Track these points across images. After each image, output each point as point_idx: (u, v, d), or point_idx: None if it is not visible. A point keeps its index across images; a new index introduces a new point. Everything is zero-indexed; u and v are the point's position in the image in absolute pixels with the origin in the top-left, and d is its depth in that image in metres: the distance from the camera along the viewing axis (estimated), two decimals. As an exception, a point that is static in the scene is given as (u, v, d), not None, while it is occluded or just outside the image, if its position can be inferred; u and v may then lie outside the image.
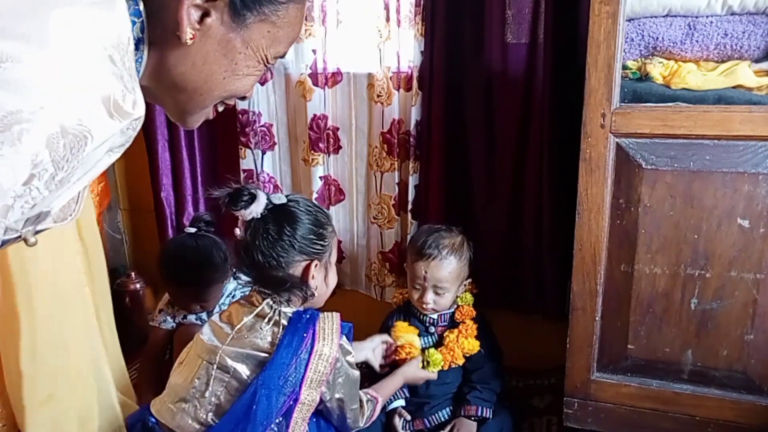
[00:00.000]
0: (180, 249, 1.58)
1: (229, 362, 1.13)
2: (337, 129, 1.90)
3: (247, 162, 1.95)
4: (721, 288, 1.23)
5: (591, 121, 1.22)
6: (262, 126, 1.92)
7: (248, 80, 0.73)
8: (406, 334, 1.54)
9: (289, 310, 1.17)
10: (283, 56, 0.76)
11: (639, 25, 1.32)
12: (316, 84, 1.84)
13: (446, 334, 1.57)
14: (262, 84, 1.88)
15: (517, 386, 1.80)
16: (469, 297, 1.61)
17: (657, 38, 1.31)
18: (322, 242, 1.18)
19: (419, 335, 1.58)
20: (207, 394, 1.13)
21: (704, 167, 1.19)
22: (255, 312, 1.17)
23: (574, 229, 1.29)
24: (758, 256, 1.20)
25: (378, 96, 1.80)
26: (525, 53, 1.63)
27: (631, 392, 1.34)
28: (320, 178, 1.91)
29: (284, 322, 1.15)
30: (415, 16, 1.69)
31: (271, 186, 1.98)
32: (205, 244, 1.57)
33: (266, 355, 1.13)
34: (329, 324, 1.16)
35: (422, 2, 1.67)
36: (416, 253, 1.54)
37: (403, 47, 1.73)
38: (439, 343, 1.58)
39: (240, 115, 1.90)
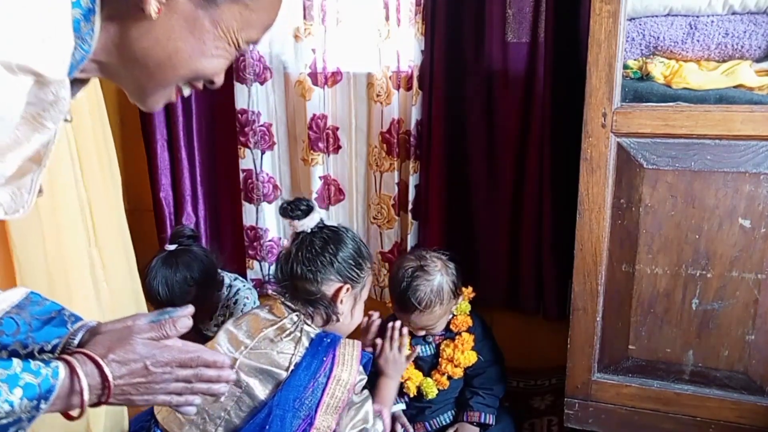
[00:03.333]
0: (160, 275, 1.51)
1: (243, 376, 1.12)
2: (337, 129, 1.89)
3: (246, 162, 1.94)
4: (723, 288, 1.23)
5: (592, 120, 1.22)
6: (261, 126, 1.92)
7: (217, 62, 0.69)
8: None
9: (311, 330, 1.17)
10: (256, 42, 0.73)
11: (640, 25, 1.31)
12: (315, 83, 1.83)
13: (443, 347, 1.53)
14: (262, 84, 1.88)
15: (518, 387, 1.80)
16: (464, 305, 1.54)
17: (658, 37, 1.30)
18: (359, 270, 1.22)
19: (415, 344, 1.55)
20: (217, 408, 1.11)
21: (705, 167, 1.19)
22: (278, 325, 1.16)
23: (574, 229, 1.29)
24: (759, 256, 1.19)
25: (377, 96, 1.79)
26: (526, 52, 1.62)
27: (631, 393, 1.33)
28: (320, 177, 1.91)
29: (305, 341, 1.15)
30: (416, 15, 1.69)
31: (271, 186, 1.97)
32: (186, 261, 1.53)
33: (282, 372, 1.11)
34: (350, 350, 1.16)
35: (422, 1, 1.66)
36: (397, 304, 1.48)
37: (403, 46, 1.72)
38: (437, 354, 1.54)
39: (239, 115, 1.89)
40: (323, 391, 1.11)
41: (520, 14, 1.60)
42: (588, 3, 1.19)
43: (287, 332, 1.15)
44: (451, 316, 1.54)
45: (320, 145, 1.88)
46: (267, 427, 1.08)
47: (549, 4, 1.56)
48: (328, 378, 1.12)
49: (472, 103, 1.70)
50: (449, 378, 1.52)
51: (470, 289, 1.59)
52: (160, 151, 1.96)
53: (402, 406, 1.58)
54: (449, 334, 1.54)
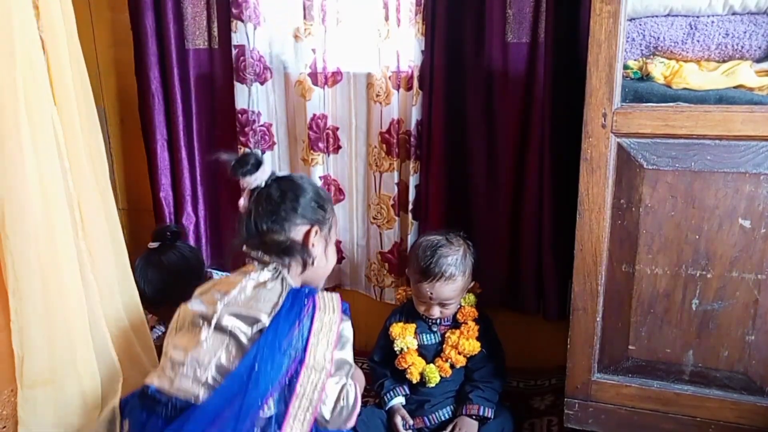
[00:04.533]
0: (144, 273, 1.54)
1: (226, 322, 1.11)
2: (337, 129, 1.89)
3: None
4: (723, 288, 1.23)
5: (592, 120, 1.22)
6: (261, 126, 1.92)
7: None
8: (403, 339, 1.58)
9: (291, 281, 1.17)
10: None
11: (640, 25, 1.32)
12: (315, 83, 1.83)
13: (448, 334, 1.57)
14: (262, 84, 1.88)
15: (518, 387, 1.80)
16: (471, 298, 1.61)
17: (658, 38, 1.31)
18: (323, 211, 1.23)
19: (421, 332, 1.59)
20: (207, 357, 1.10)
21: (705, 167, 1.19)
22: (255, 277, 1.16)
23: (574, 230, 1.29)
24: (759, 257, 1.19)
25: (377, 96, 1.79)
26: (526, 52, 1.62)
27: (631, 393, 1.33)
28: (320, 177, 1.90)
29: (282, 289, 1.15)
30: (416, 15, 1.69)
31: (271, 186, 1.97)
32: (170, 259, 1.54)
33: (265, 317, 1.11)
34: (328, 297, 1.16)
35: (423, 1, 1.66)
36: (419, 273, 1.52)
37: (403, 47, 1.72)
38: (441, 342, 1.58)
39: (239, 115, 1.89)
40: (309, 330, 1.11)
41: (521, 14, 1.60)
42: (588, 3, 1.19)
43: (267, 282, 1.16)
44: (458, 306, 1.57)
45: (320, 145, 1.88)
46: (256, 368, 1.07)
47: (549, 4, 1.56)
48: (312, 319, 1.12)
49: (472, 104, 1.70)
50: (452, 366, 1.54)
51: (477, 284, 1.62)
52: (160, 151, 1.96)
53: (401, 400, 1.59)
54: (455, 323, 1.58)
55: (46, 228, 1.15)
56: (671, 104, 1.22)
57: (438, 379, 1.55)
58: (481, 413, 1.52)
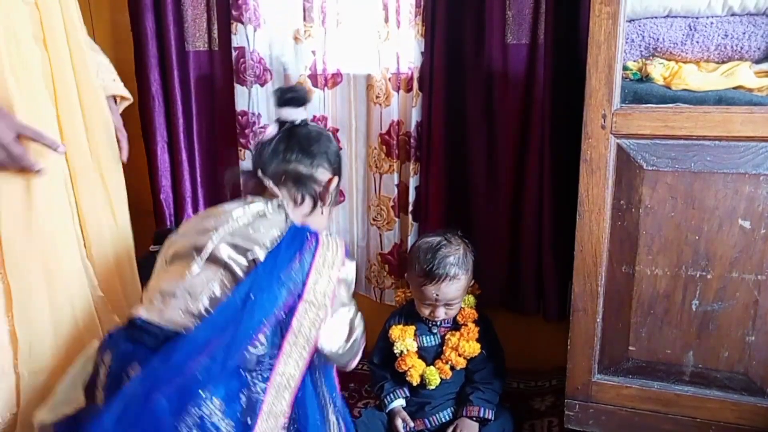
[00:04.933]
0: (145, 276, 1.53)
1: (221, 252, 1.06)
2: (337, 130, 1.89)
3: (246, 163, 1.94)
4: (723, 289, 1.23)
5: (591, 121, 1.22)
6: (261, 127, 1.92)
7: None
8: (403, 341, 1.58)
9: (292, 216, 1.14)
10: None
11: (639, 26, 1.32)
12: (315, 85, 1.83)
13: (448, 336, 1.57)
14: (262, 85, 1.88)
15: (518, 388, 1.80)
16: (471, 299, 1.61)
17: (657, 39, 1.31)
18: (340, 169, 1.24)
19: (421, 334, 1.59)
20: (199, 289, 1.04)
21: (705, 168, 1.19)
22: (255, 207, 1.12)
23: (574, 230, 1.29)
24: (759, 257, 1.20)
25: (377, 97, 1.80)
26: (525, 54, 1.63)
27: (632, 394, 1.33)
28: (320, 179, 1.91)
29: (285, 223, 1.11)
30: (416, 17, 1.69)
31: (271, 187, 1.97)
32: None
33: (262, 250, 1.06)
34: (332, 238, 1.12)
35: (422, 3, 1.67)
36: (423, 275, 1.51)
37: (402, 48, 1.72)
38: (441, 344, 1.58)
39: (239, 117, 1.90)
40: (310, 265, 1.06)
41: (520, 16, 1.61)
42: (587, 4, 1.19)
43: (267, 214, 1.12)
44: (459, 307, 1.57)
45: (320, 146, 1.88)
46: (252, 296, 1.02)
47: (549, 5, 1.56)
48: (314, 254, 1.07)
49: (472, 105, 1.71)
50: (452, 368, 1.54)
51: (476, 285, 1.62)
52: (161, 152, 1.96)
53: (402, 402, 1.59)
54: (455, 325, 1.58)
55: (43, 209, 1.16)
56: (671, 105, 1.22)
57: (438, 381, 1.55)
58: (481, 415, 1.52)
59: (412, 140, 1.78)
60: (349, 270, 1.13)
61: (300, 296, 1.04)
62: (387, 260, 1.91)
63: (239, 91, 1.87)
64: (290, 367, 1.04)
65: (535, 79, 1.62)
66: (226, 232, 1.08)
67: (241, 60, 1.84)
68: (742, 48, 1.27)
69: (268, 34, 1.85)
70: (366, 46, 1.80)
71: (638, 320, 1.30)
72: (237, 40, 1.82)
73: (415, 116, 1.75)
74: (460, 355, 1.55)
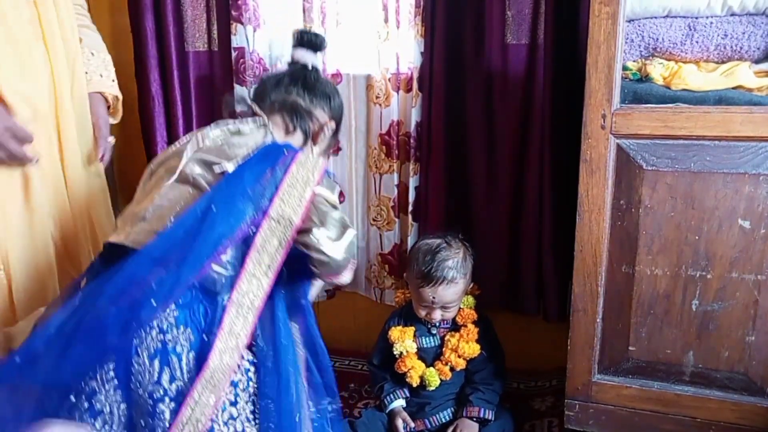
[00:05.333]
0: None
1: (189, 169, 1.03)
2: (337, 130, 1.89)
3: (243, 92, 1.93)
4: (722, 289, 1.23)
5: (591, 122, 1.22)
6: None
7: None
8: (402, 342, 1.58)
9: (275, 135, 1.13)
10: None
11: (639, 26, 1.32)
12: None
13: (447, 338, 1.57)
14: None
15: (518, 388, 1.80)
16: (470, 300, 1.61)
17: (657, 39, 1.31)
18: (340, 124, 1.27)
19: (420, 335, 1.59)
20: (167, 208, 1.02)
21: (705, 168, 1.19)
22: (235, 125, 1.11)
23: (574, 231, 1.29)
24: (759, 257, 1.19)
25: (377, 97, 1.80)
26: (525, 54, 1.63)
27: (632, 394, 1.33)
28: (320, 179, 1.91)
29: (263, 140, 1.08)
30: (415, 17, 1.69)
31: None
32: None
33: (233, 162, 1.03)
34: (313, 158, 1.08)
35: (422, 3, 1.67)
36: (421, 278, 1.51)
37: (402, 48, 1.72)
38: (440, 345, 1.58)
39: (239, 117, 1.90)
40: (281, 180, 1.01)
41: (520, 16, 1.61)
42: (587, 5, 1.19)
43: (247, 130, 1.10)
44: (459, 307, 1.57)
45: (320, 147, 1.88)
46: (213, 208, 0.97)
47: (548, 5, 1.56)
48: (287, 170, 1.02)
49: (471, 105, 1.71)
50: (452, 369, 1.54)
51: (475, 285, 1.62)
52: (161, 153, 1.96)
53: (402, 402, 1.59)
54: (454, 326, 1.58)
55: None
56: (670, 105, 1.22)
57: (438, 382, 1.55)
58: (481, 415, 1.52)
59: (411, 140, 1.78)
60: (326, 190, 1.08)
61: (266, 212, 1.00)
62: (387, 260, 1.90)
63: (239, 91, 1.87)
64: (253, 286, 1.00)
65: (535, 80, 1.61)
66: (200, 150, 1.06)
67: (241, 60, 1.84)
68: (741, 48, 1.27)
69: (268, 34, 1.85)
70: (366, 46, 1.80)
71: (638, 320, 1.30)
72: (237, 41, 1.82)
73: (414, 116, 1.75)
74: (459, 357, 1.54)
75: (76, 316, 0.95)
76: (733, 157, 1.17)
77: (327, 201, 1.07)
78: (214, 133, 1.09)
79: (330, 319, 2.10)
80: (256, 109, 1.17)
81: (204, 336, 0.97)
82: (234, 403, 1.00)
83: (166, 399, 0.96)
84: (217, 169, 1.03)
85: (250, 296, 1.00)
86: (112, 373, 0.95)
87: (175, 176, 1.04)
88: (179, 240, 0.97)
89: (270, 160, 1.03)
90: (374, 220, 1.90)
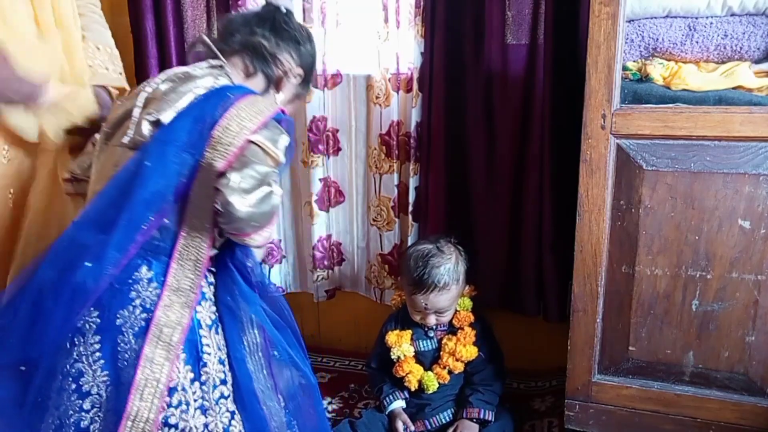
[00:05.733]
0: None
1: (140, 133, 0.98)
2: (337, 131, 1.89)
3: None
4: (722, 289, 1.23)
5: (591, 122, 1.22)
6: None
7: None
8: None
9: (233, 78, 1.06)
10: None
11: (639, 26, 1.32)
12: (315, 86, 1.83)
13: (445, 341, 1.56)
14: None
15: (518, 388, 1.80)
16: (467, 302, 1.60)
17: (657, 39, 1.31)
18: (310, 74, 1.18)
19: (417, 339, 1.59)
20: (111, 170, 0.99)
21: (705, 168, 1.19)
22: (185, 71, 1.04)
23: (574, 231, 1.29)
24: (759, 258, 1.19)
25: (377, 98, 1.80)
26: (525, 54, 1.62)
27: (632, 394, 1.33)
28: (320, 179, 1.91)
29: (215, 81, 1.02)
30: (415, 17, 1.69)
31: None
32: None
33: (175, 113, 0.98)
34: (268, 98, 1.05)
35: (422, 3, 1.67)
36: (413, 285, 1.51)
37: (402, 49, 1.72)
38: (438, 348, 1.57)
39: (239, 117, 1.89)
40: (217, 121, 0.94)
41: (520, 16, 1.61)
42: (587, 5, 1.19)
43: (198, 75, 1.03)
44: (455, 310, 1.57)
45: (320, 147, 1.88)
46: (146, 162, 0.93)
47: (548, 6, 1.56)
48: (229, 108, 0.95)
49: (471, 105, 1.71)
50: (450, 372, 1.54)
51: (471, 287, 1.61)
52: (161, 153, 1.96)
53: (402, 403, 1.59)
54: (451, 329, 1.57)
55: None
56: (670, 105, 1.22)
57: (436, 386, 1.54)
58: (481, 416, 1.52)
59: (411, 140, 1.78)
60: (267, 140, 0.98)
61: (199, 161, 0.95)
62: (387, 261, 1.90)
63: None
64: (195, 241, 0.97)
65: (535, 80, 1.61)
66: (148, 105, 1.02)
67: (241, 61, 1.84)
68: (741, 48, 1.27)
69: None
70: (366, 46, 1.80)
71: (638, 320, 1.30)
72: (237, 41, 1.82)
73: (414, 116, 1.75)
74: (457, 360, 1.54)
75: (21, 286, 0.97)
76: (733, 157, 1.17)
77: (266, 150, 0.98)
78: (162, 84, 1.04)
79: (330, 319, 2.10)
80: (213, 49, 1.10)
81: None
82: (197, 361, 0.99)
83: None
84: (150, 118, 0.99)
85: (194, 252, 0.98)
86: (98, 354, 0.95)
87: (128, 144, 1.01)
88: (114, 199, 0.95)
89: (212, 102, 0.97)
90: (374, 220, 1.90)
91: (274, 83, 1.13)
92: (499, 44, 1.63)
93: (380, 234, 1.90)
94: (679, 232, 1.23)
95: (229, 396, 1.02)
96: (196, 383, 0.99)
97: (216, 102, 0.98)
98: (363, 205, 1.93)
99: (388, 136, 1.80)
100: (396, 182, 1.84)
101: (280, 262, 2.03)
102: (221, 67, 1.09)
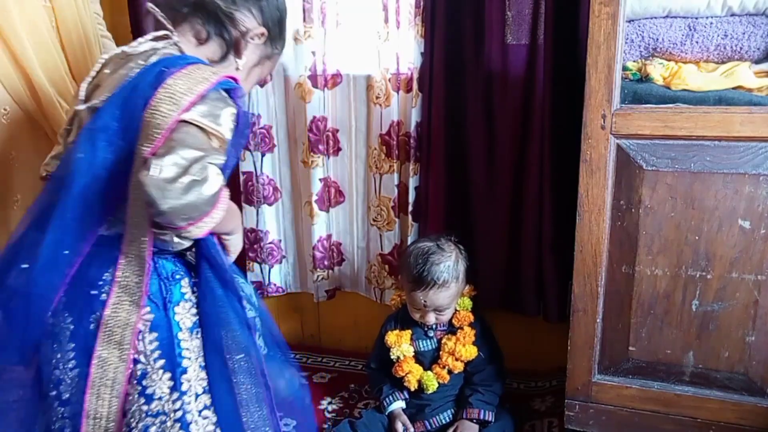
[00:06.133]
0: None
1: (84, 119, 0.93)
2: (337, 131, 1.89)
3: (246, 164, 1.94)
4: (722, 289, 1.23)
5: (591, 122, 1.22)
6: (261, 128, 1.92)
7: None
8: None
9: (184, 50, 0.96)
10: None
11: (639, 26, 1.32)
12: (315, 86, 1.83)
13: (444, 341, 1.56)
14: (262, 86, 1.88)
15: (518, 388, 1.80)
16: (467, 302, 1.60)
17: (657, 39, 1.31)
18: (280, 32, 1.08)
19: (417, 339, 1.59)
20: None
21: (705, 168, 1.19)
22: (127, 50, 0.95)
23: (574, 231, 1.29)
24: (759, 258, 1.19)
25: (377, 98, 1.80)
26: (525, 54, 1.62)
27: (632, 394, 1.33)
28: (320, 180, 1.91)
29: (149, 58, 0.93)
30: (415, 17, 1.69)
31: (271, 188, 1.97)
32: None
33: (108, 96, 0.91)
34: (209, 68, 0.94)
35: (422, 4, 1.67)
36: (412, 282, 1.51)
37: (402, 49, 1.72)
38: (438, 348, 1.58)
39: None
40: (156, 89, 0.86)
41: (520, 16, 1.61)
42: (587, 5, 1.19)
43: (138, 49, 0.95)
44: (454, 310, 1.57)
45: (320, 147, 1.88)
46: (79, 154, 0.88)
47: (548, 6, 1.56)
48: (156, 89, 0.86)
49: (471, 105, 1.71)
50: (450, 372, 1.54)
51: (471, 287, 1.61)
52: (161, 153, 1.96)
53: (402, 404, 1.59)
54: (451, 328, 1.57)
55: None
56: (670, 105, 1.22)
57: (436, 386, 1.54)
58: (481, 417, 1.51)
59: (412, 141, 1.78)
60: (205, 118, 0.89)
61: (135, 142, 0.87)
62: (387, 261, 1.90)
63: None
64: (136, 237, 0.91)
65: (535, 80, 1.61)
66: (87, 90, 0.97)
67: (241, 61, 1.84)
68: (741, 48, 1.27)
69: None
70: (366, 46, 1.80)
71: (638, 320, 1.30)
72: (237, 41, 1.82)
73: (414, 116, 1.75)
74: (457, 360, 1.54)
75: None
76: (733, 157, 1.17)
77: (204, 128, 0.89)
78: (105, 68, 0.98)
79: (330, 319, 2.11)
80: (159, 17, 0.99)
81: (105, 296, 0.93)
82: (175, 367, 0.95)
83: (133, 381, 0.93)
84: (91, 106, 0.93)
85: (136, 247, 0.91)
86: (73, 362, 0.92)
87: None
88: (51, 196, 0.91)
89: (143, 84, 0.88)
90: (374, 220, 1.90)
91: (233, 47, 1.02)
92: (499, 44, 1.63)
93: (380, 234, 1.90)
94: (679, 232, 1.23)
95: (212, 406, 0.97)
96: (176, 393, 0.94)
97: (149, 80, 0.88)
98: (363, 205, 1.93)
99: (388, 136, 1.80)
100: (396, 182, 1.84)
101: (280, 262, 2.03)
102: (167, 37, 0.98)
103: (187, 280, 0.99)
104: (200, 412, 0.96)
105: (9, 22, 1.18)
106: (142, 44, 0.97)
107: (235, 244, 1.07)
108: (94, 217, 0.91)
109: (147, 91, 0.87)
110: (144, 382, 0.93)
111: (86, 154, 0.88)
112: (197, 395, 0.96)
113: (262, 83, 1.87)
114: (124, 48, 0.98)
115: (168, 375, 0.94)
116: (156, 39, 0.98)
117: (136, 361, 0.93)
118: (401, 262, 1.62)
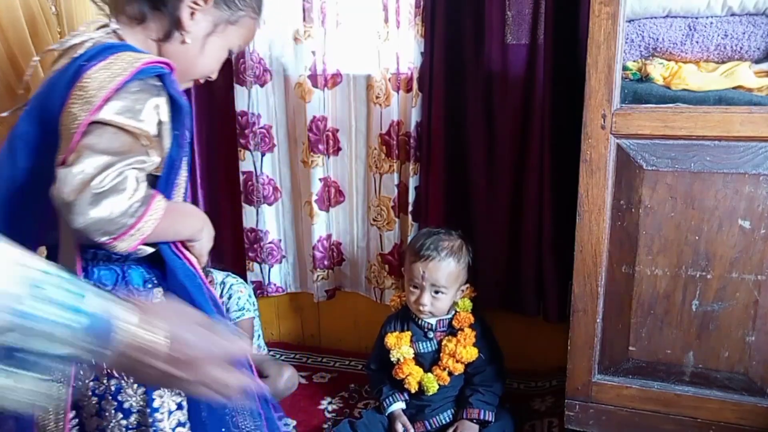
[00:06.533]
0: None
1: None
2: (337, 130, 1.89)
3: (246, 164, 1.94)
4: (723, 289, 1.23)
5: (591, 122, 1.22)
6: (261, 128, 1.92)
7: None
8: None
9: (137, 43, 0.86)
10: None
11: (639, 26, 1.32)
12: (315, 85, 1.83)
13: (444, 342, 1.56)
14: (262, 86, 1.88)
15: (518, 388, 1.80)
16: (467, 303, 1.59)
17: (657, 39, 1.31)
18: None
19: (417, 341, 1.58)
20: None
21: (705, 168, 1.19)
22: (59, 46, 0.87)
23: (574, 231, 1.29)
24: (759, 258, 1.19)
25: (377, 98, 1.80)
26: (525, 54, 1.63)
27: (632, 394, 1.33)
28: (320, 179, 1.91)
29: (76, 52, 0.84)
30: (415, 17, 1.69)
31: (271, 188, 1.97)
32: None
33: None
34: (116, 66, 0.80)
35: (422, 3, 1.67)
36: (415, 254, 1.54)
37: (402, 48, 1.72)
38: (438, 350, 1.57)
39: (239, 117, 1.90)
40: (71, 87, 0.78)
41: (520, 16, 1.61)
42: (587, 5, 1.19)
43: (71, 42, 0.86)
44: (453, 312, 1.57)
45: (320, 147, 1.88)
46: (11, 147, 0.82)
47: (548, 6, 1.56)
48: (71, 89, 0.78)
49: (471, 105, 1.71)
50: (450, 374, 1.54)
51: (471, 288, 1.61)
52: (160, 153, 1.96)
53: (402, 405, 1.59)
54: (451, 330, 1.57)
55: None
56: (670, 105, 1.22)
57: (436, 388, 1.54)
58: (482, 417, 1.51)
59: (411, 140, 1.78)
60: (122, 116, 0.78)
61: (54, 149, 0.80)
62: (387, 261, 1.90)
63: (239, 91, 1.87)
64: (68, 245, 0.84)
65: (535, 80, 1.61)
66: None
67: (241, 60, 1.84)
68: (741, 48, 1.27)
69: (268, 34, 1.85)
70: (366, 46, 1.80)
71: (638, 320, 1.30)
72: (237, 41, 1.82)
73: (414, 116, 1.75)
74: (457, 361, 1.54)
75: None
76: (733, 157, 1.17)
77: (121, 127, 0.78)
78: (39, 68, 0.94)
79: (330, 319, 2.10)
80: (98, 4, 0.91)
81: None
82: None
83: (108, 396, 0.90)
84: (6, 113, 0.89)
85: (69, 258, 0.84)
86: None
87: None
88: None
89: (62, 83, 0.80)
90: (374, 220, 1.90)
91: (177, 23, 0.88)
92: (499, 44, 1.63)
93: (380, 234, 1.90)
94: (679, 232, 1.23)
95: (186, 423, 0.93)
96: (148, 409, 0.90)
97: (66, 78, 0.80)
98: (363, 205, 1.93)
99: (388, 135, 1.80)
100: (396, 182, 1.84)
101: (280, 262, 2.03)
102: (106, 25, 0.88)
103: (160, 289, 0.92)
104: (173, 429, 0.92)
105: None
106: (76, 36, 0.87)
107: (201, 248, 0.96)
108: (24, 228, 0.81)
109: (63, 90, 0.79)
110: (119, 397, 0.90)
111: (5, 161, 0.83)
112: (170, 412, 0.92)
113: (262, 83, 1.87)
114: (55, 45, 0.90)
115: (142, 390, 0.90)
116: (99, 28, 0.89)
117: (110, 377, 0.89)
118: (410, 242, 1.66)
